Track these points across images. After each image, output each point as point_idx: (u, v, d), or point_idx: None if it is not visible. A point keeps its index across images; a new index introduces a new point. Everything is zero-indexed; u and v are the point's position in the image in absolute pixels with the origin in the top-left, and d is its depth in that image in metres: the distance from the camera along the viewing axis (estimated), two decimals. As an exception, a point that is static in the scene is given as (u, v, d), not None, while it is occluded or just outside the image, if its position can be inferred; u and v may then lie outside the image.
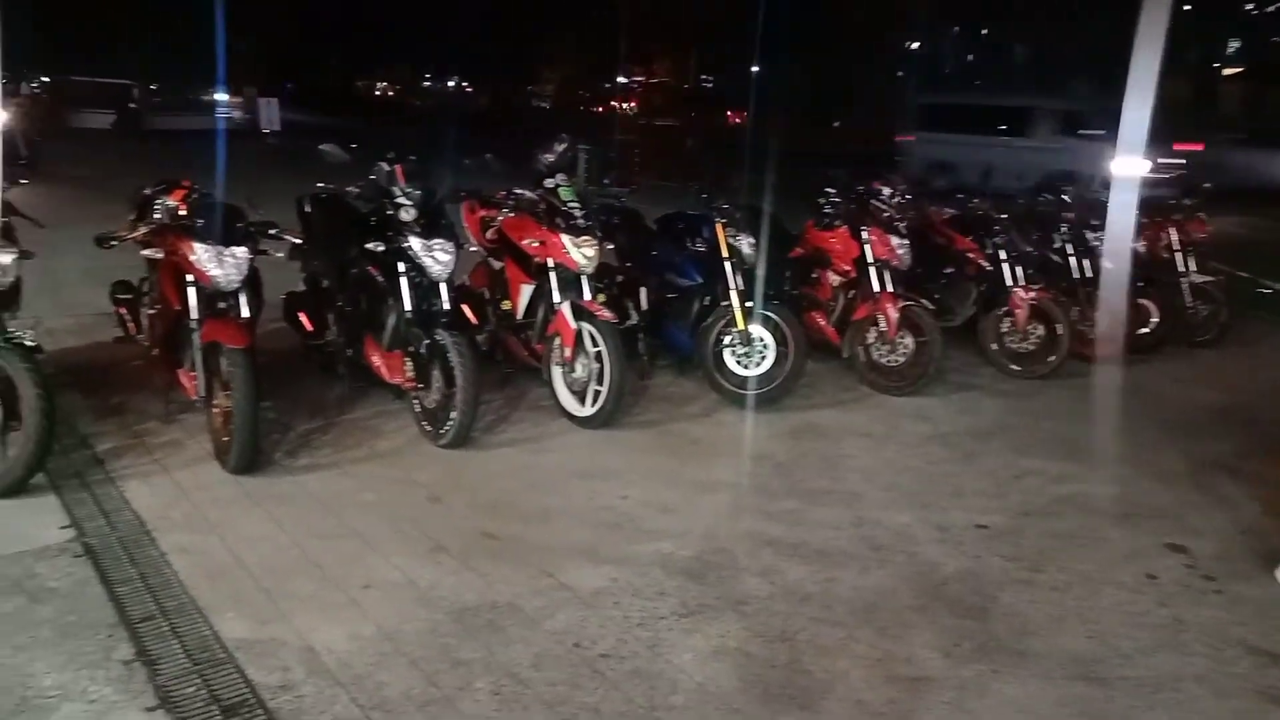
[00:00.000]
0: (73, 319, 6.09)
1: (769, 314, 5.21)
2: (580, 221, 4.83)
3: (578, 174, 5.59)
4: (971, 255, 6.39)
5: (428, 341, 4.35)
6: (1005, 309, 6.19)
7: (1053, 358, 6.07)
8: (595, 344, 4.68)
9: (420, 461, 4.27)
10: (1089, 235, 6.70)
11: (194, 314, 3.97)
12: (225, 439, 3.97)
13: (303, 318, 5.14)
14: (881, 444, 4.80)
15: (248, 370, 3.75)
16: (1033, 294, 6.09)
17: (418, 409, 4.53)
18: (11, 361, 3.56)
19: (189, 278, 3.97)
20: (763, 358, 5.18)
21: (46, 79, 28.18)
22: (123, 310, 4.82)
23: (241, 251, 3.93)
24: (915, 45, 34.89)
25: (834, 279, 5.99)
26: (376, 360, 4.72)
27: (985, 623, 3.12)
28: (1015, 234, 6.27)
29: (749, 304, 5.16)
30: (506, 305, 5.16)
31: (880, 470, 4.44)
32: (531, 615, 3.00)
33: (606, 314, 4.70)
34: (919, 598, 3.25)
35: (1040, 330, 6.17)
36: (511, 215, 5.19)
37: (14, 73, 25.17)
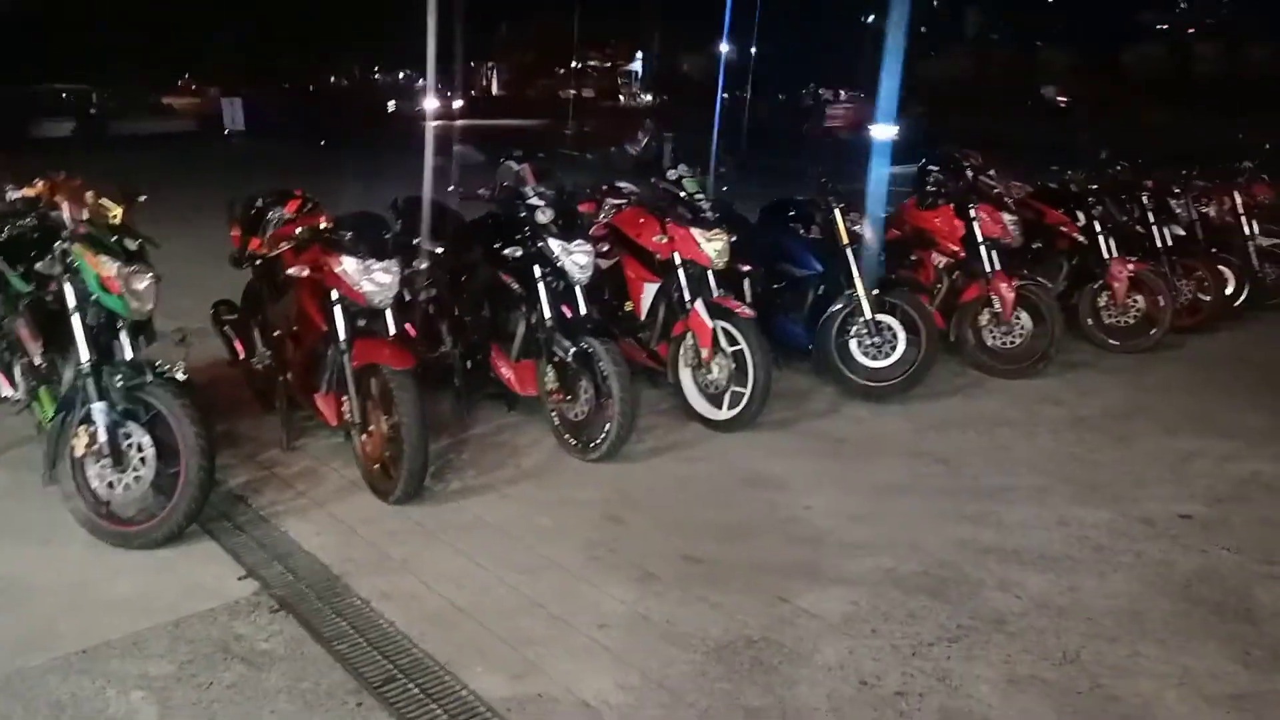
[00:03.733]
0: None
1: (896, 300, 5.01)
2: (709, 215, 4.58)
3: (664, 163, 5.31)
4: (1064, 229, 6.23)
5: (574, 350, 4.07)
6: (1102, 282, 6.06)
7: (1155, 330, 5.95)
8: (733, 343, 4.45)
9: (573, 478, 4.01)
10: (1173, 203, 6.60)
11: (343, 335, 3.65)
12: (377, 466, 3.69)
13: (408, 329, 4.83)
14: (1029, 432, 4.63)
15: (416, 394, 3.45)
16: (1133, 265, 5.96)
17: (558, 421, 4.26)
18: (164, 398, 3.22)
19: (334, 295, 3.64)
20: (892, 347, 4.98)
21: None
22: (228, 331, 4.45)
23: (394, 265, 3.61)
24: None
25: (939, 260, 5.80)
26: (505, 372, 4.44)
27: (1258, 626, 2.95)
28: (1110, 204, 6.14)
29: (875, 291, 4.95)
30: (629, 306, 4.88)
31: (1046, 462, 4.27)
32: (794, 649, 2.77)
33: (747, 311, 4.46)
34: (1174, 602, 3.07)
35: (1140, 303, 6.05)
36: (621, 210, 4.93)
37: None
